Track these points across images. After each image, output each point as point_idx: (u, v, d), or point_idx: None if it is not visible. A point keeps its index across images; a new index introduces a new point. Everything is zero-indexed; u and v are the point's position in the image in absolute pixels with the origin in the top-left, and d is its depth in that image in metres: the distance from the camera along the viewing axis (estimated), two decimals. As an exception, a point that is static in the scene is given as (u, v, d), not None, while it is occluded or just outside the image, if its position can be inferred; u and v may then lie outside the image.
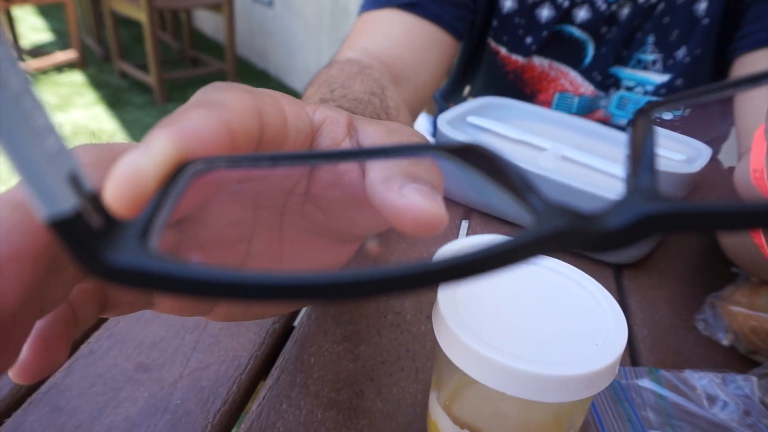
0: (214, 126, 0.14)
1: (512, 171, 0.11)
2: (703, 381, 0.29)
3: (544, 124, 0.51)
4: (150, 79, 2.57)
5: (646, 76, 0.61)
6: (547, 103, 0.66)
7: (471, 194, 0.45)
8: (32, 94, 0.08)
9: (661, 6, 0.58)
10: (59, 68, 2.85)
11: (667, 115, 0.62)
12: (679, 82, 0.59)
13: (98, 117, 2.43)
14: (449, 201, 0.47)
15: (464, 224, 0.44)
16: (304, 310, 0.33)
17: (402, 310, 0.34)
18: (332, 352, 0.30)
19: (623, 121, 0.65)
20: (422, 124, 0.88)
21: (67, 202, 0.09)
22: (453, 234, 0.42)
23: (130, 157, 0.11)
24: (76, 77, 2.80)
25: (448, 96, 0.78)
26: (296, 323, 0.32)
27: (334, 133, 0.19)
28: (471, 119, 0.49)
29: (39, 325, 0.15)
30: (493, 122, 0.48)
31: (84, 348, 0.28)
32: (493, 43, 0.65)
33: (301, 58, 2.87)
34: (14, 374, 0.14)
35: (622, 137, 0.49)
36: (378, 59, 0.52)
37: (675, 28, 0.58)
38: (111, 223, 0.09)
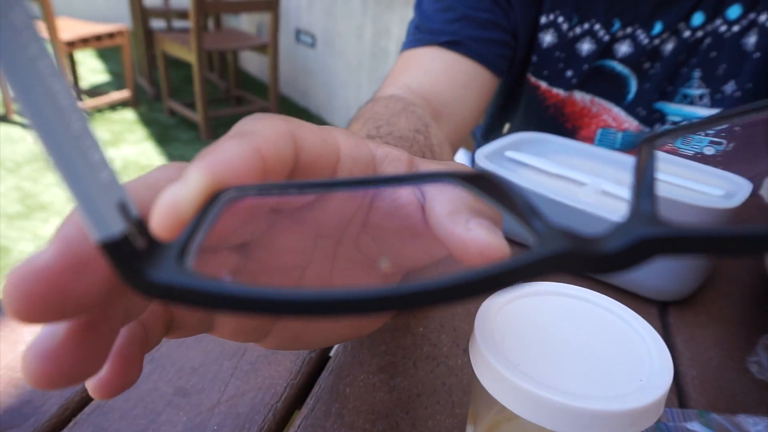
0: (244, 153, 0.14)
1: (518, 196, 0.12)
2: (758, 427, 0.28)
3: (584, 158, 0.50)
4: (196, 116, 2.68)
5: (693, 111, 0.60)
6: (589, 139, 0.65)
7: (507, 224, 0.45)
8: (90, 133, 0.10)
9: (708, 40, 0.57)
10: (113, 106, 3.00)
11: (709, 150, 0.60)
12: None
13: (147, 152, 2.54)
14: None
15: None
16: (340, 340, 0.33)
17: (438, 342, 0.33)
18: (368, 383, 0.30)
19: (688, 152, 0.64)
20: (461, 159, 0.89)
21: (116, 227, 0.10)
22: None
23: (170, 189, 0.12)
24: (128, 115, 2.95)
25: (488, 134, 0.79)
26: (332, 353, 0.32)
27: (396, 169, 0.20)
28: (509, 154, 0.49)
29: (117, 344, 0.16)
30: (532, 157, 0.48)
31: (127, 371, 0.29)
32: (533, 78, 0.65)
33: (341, 98, 2.94)
34: (93, 389, 0.15)
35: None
36: (420, 96, 0.53)
37: (723, 63, 0.57)
38: (153, 246, 0.10)
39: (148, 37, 3.22)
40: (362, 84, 2.72)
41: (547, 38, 0.62)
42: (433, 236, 0.18)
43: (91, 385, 0.15)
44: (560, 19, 0.61)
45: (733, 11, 0.56)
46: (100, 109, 2.96)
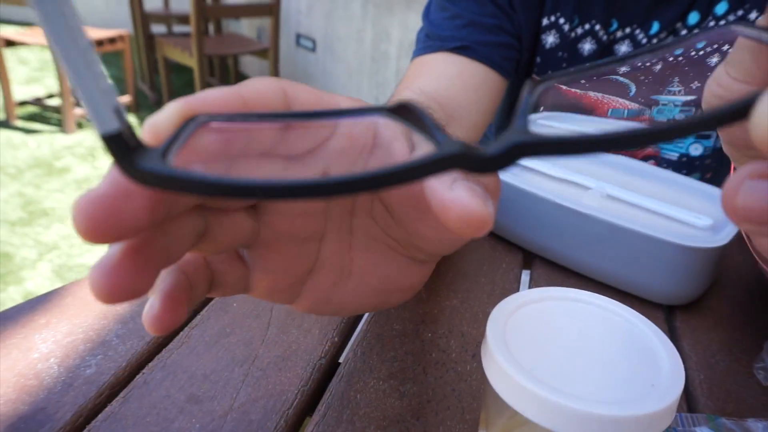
0: (222, 93, 0.18)
1: (427, 118, 0.15)
2: None
3: (589, 162, 0.51)
4: (198, 121, 2.69)
5: (673, 97, 0.62)
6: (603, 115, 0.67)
7: (534, 237, 0.45)
8: (92, 49, 0.12)
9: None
10: (114, 112, 3.01)
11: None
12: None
13: (149, 158, 2.55)
14: (510, 245, 0.47)
15: (525, 275, 0.44)
16: (349, 345, 0.33)
17: (447, 348, 0.33)
18: (378, 390, 0.30)
19: (672, 155, 0.65)
20: None
21: (113, 125, 0.13)
22: (512, 283, 0.42)
23: (154, 115, 0.16)
24: (130, 119, 2.95)
25: (498, 134, 0.80)
26: (342, 359, 0.32)
27: (393, 130, 0.23)
28: (542, 122, 0.49)
29: (165, 287, 0.19)
30: (537, 162, 0.48)
31: (139, 378, 0.29)
32: (538, 78, 0.66)
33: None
34: (149, 325, 0.18)
35: (667, 176, 0.48)
36: (434, 99, 0.54)
37: (714, 56, 0.58)
38: (142, 147, 0.13)
39: (149, 42, 3.23)
40: (363, 88, 2.73)
41: (550, 39, 0.63)
42: None
43: (146, 320, 0.18)
44: (561, 20, 0.62)
45: (721, 7, 0.57)
46: (101, 115, 2.97)
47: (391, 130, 0.22)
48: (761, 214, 0.12)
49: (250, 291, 0.23)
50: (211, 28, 3.43)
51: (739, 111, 0.11)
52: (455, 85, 0.57)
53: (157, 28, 3.56)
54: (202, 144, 0.17)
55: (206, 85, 2.61)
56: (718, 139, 0.62)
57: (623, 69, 0.62)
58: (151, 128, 0.16)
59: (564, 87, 0.66)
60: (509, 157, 0.12)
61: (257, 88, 0.19)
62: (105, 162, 2.50)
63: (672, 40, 0.17)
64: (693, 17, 0.58)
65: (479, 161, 0.12)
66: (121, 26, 3.50)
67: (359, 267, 0.25)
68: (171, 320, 0.18)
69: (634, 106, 0.64)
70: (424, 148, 0.21)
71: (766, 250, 0.24)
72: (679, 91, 0.61)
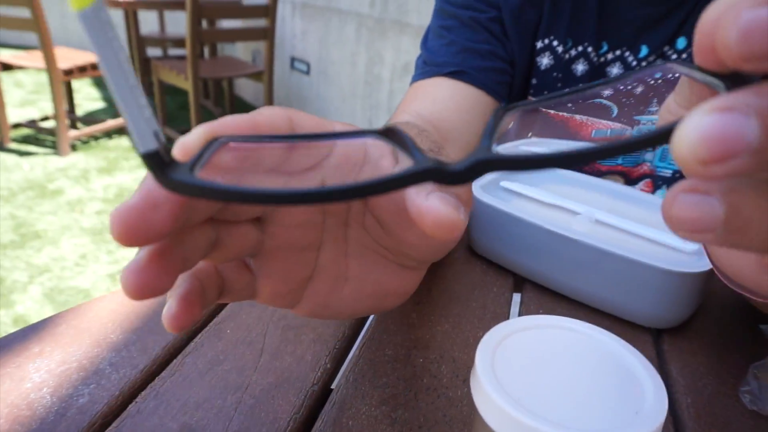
0: (239, 120, 0.21)
1: (407, 140, 0.17)
2: (752, 454, 0.28)
3: (578, 188, 0.52)
4: (192, 143, 2.70)
5: (655, 116, 0.63)
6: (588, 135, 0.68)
7: (524, 261, 0.45)
8: (138, 85, 0.15)
9: (686, 57, 0.61)
10: (109, 134, 3.02)
11: None
12: None
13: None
14: (500, 268, 0.47)
15: (516, 298, 0.45)
16: (341, 371, 0.34)
17: (438, 373, 0.34)
18: (370, 416, 0.30)
19: (666, 172, 0.66)
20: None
21: (152, 146, 0.15)
22: (503, 307, 0.43)
23: (184, 136, 0.20)
24: (124, 142, 2.96)
25: None
26: (334, 385, 0.33)
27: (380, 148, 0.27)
28: (504, 184, 0.50)
29: (181, 290, 0.22)
30: (526, 187, 0.49)
31: (132, 407, 0.29)
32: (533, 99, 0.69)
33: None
34: (167, 324, 0.21)
35: (654, 201, 0.49)
36: (429, 122, 0.56)
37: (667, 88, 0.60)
38: (174, 162, 0.16)
39: (144, 65, 3.26)
40: (356, 110, 2.76)
41: (545, 61, 0.65)
42: None
43: (165, 319, 0.21)
44: (555, 43, 0.64)
45: (681, 42, 0.59)
46: (96, 137, 2.98)
47: (379, 149, 0.25)
48: (692, 223, 0.13)
49: (256, 297, 0.26)
50: (206, 50, 3.46)
51: (665, 134, 0.13)
52: (449, 108, 0.60)
53: (153, 51, 3.60)
54: (221, 160, 0.21)
55: (201, 107, 2.63)
56: None
57: (606, 92, 0.63)
58: (181, 147, 0.19)
59: (552, 111, 0.68)
60: (473, 172, 0.14)
61: (268, 115, 0.22)
62: (98, 184, 2.50)
63: (622, 74, 0.20)
64: (681, 42, 0.60)
65: (448, 175, 0.15)
66: (117, 49, 3.52)
67: (354, 273, 0.28)
68: (186, 320, 0.21)
69: (617, 126, 0.66)
70: (405, 163, 0.23)
71: (721, 262, 0.25)
72: (657, 111, 0.63)
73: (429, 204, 0.19)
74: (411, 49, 2.28)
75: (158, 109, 2.87)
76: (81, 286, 1.80)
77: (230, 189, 0.15)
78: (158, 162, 0.15)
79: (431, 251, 0.29)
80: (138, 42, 3.22)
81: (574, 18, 0.63)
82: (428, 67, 0.64)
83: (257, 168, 0.22)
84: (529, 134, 0.75)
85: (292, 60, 3.31)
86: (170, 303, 0.21)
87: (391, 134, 0.19)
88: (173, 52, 3.88)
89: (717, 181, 0.13)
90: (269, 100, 2.85)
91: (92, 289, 1.79)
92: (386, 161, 0.25)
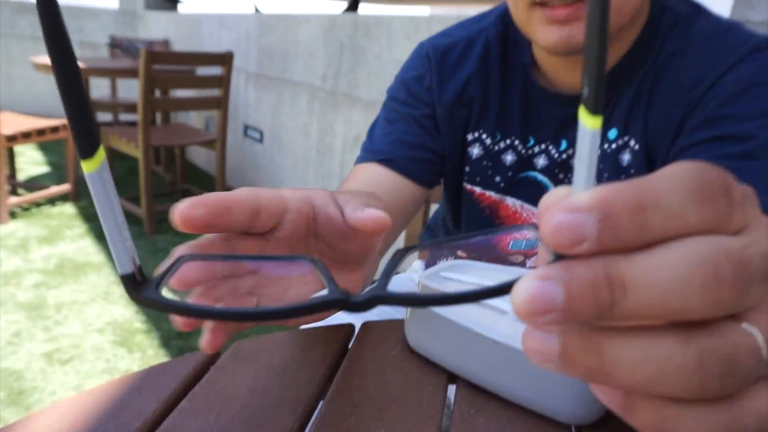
0: (212, 202, 0.30)
1: (325, 270, 0.23)
2: None
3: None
4: (140, 211, 2.66)
5: None
6: (508, 246, 0.72)
7: (454, 360, 0.48)
8: (124, 221, 0.19)
9: (599, 154, 0.66)
10: (52, 200, 2.94)
11: None
12: None
13: (86, 249, 2.47)
14: (435, 365, 0.49)
15: (451, 388, 0.46)
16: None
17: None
18: None
19: None
20: (418, 267, 0.96)
21: (129, 269, 0.20)
22: (437, 405, 0.45)
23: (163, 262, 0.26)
24: (68, 209, 2.88)
25: (448, 226, 0.86)
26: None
27: (323, 200, 0.38)
28: (444, 274, 0.52)
29: (211, 324, 0.31)
30: (464, 277, 0.51)
31: None
32: (468, 186, 0.75)
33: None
34: (203, 346, 0.29)
35: None
36: None
37: (605, 173, 0.65)
38: (145, 281, 0.20)
39: (93, 131, 3.23)
40: (308, 178, 2.80)
41: (475, 151, 0.72)
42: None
43: (202, 344, 0.29)
44: (484, 136, 0.71)
45: (612, 133, 0.65)
46: (38, 204, 2.89)
47: (307, 272, 0.32)
48: (538, 354, 0.18)
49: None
50: (159, 116, 3.47)
51: (507, 287, 0.18)
52: (376, 191, 0.65)
53: (104, 116, 3.58)
54: (181, 277, 0.26)
55: (151, 173, 2.62)
56: None
57: (540, 165, 0.70)
58: (158, 269, 0.24)
59: (486, 192, 0.73)
60: (369, 304, 0.20)
61: (238, 200, 0.31)
62: (38, 254, 2.40)
63: (509, 227, 0.27)
64: None
65: (351, 305, 0.20)
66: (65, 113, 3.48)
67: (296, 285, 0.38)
68: (217, 343, 0.31)
69: (531, 235, 0.71)
70: (323, 290, 0.27)
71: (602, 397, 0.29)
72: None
73: (365, 213, 0.32)
74: (361, 122, 2.37)
75: (106, 176, 2.83)
76: (13, 367, 1.70)
77: (180, 305, 0.19)
78: (132, 281, 0.20)
79: (366, 252, 0.41)
80: (88, 108, 3.19)
81: (500, 116, 0.70)
82: (367, 153, 0.72)
83: (211, 283, 0.29)
84: (458, 253, 0.80)
85: (246, 128, 3.36)
86: (205, 332, 0.31)
87: (316, 261, 0.24)
88: (125, 117, 3.87)
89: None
90: (221, 167, 2.86)
91: (26, 371, 1.69)
92: (311, 286, 0.33)
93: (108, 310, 1.97)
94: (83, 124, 0.17)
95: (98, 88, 3.97)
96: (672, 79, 0.60)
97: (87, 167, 0.18)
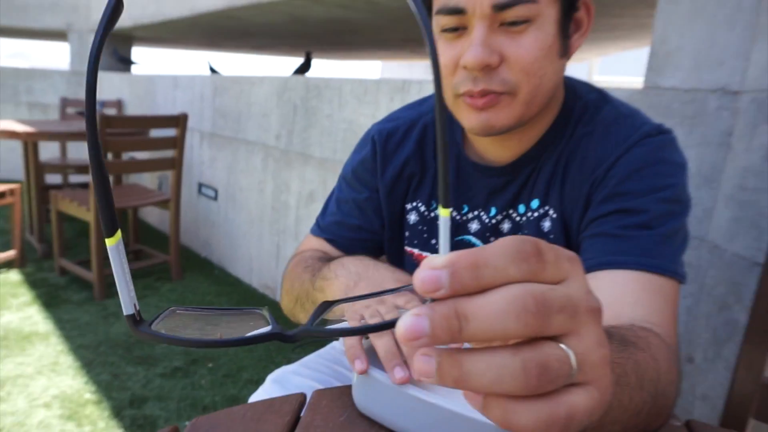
0: None
1: (271, 316, 0.30)
2: None
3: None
4: (91, 275, 2.60)
5: None
6: None
7: (399, 420, 0.51)
8: (129, 277, 0.26)
9: (524, 220, 0.73)
10: (-4, 267, 2.83)
11: None
12: None
13: (32, 318, 2.38)
14: (380, 427, 0.52)
15: None
16: None
17: None
18: None
19: None
20: None
21: (131, 311, 0.26)
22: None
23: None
24: (13, 276, 2.79)
25: None
26: None
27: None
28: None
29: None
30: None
31: None
32: (408, 248, 0.82)
33: (244, 248, 3.01)
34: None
35: None
36: None
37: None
38: (142, 321, 0.27)
39: (42, 193, 3.16)
40: (264, 235, 2.82)
41: (412, 217, 0.81)
42: None
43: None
44: (420, 205, 0.80)
45: (534, 203, 0.73)
46: (-20, 271, 2.78)
47: (258, 317, 0.38)
48: (423, 372, 0.25)
49: None
50: (111, 178, 3.44)
51: (392, 324, 0.25)
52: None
53: (52, 177, 3.51)
54: (168, 322, 0.31)
55: (102, 236, 2.57)
56: None
57: (473, 230, 0.77)
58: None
59: (424, 253, 0.81)
60: (297, 338, 0.28)
61: None
62: (-20, 324, 2.30)
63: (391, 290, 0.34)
64: (521, 208, 0.74)
65: (285, 337, 0.28)
66: (14, 174, 3.39)
67: None
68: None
69: None
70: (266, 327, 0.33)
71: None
72: None
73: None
74: (315, 179, 2.43)
75: (55, 238, 2.77)
76: (-49, 447, 1.61)
77: (161, 335, 0.27)
78: (133, 320, 0.27)
79: None
80: (36, 170, 3.13)
81: (435, 187, 0.79)
82: (317, 227, 0.85)
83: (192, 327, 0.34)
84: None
85: (200, 186, 3.37)
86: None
87: (263, 310, 0.31)
88: (75, 178, 3.81)
89: (431, 348, 0.25)
90: (176, 228, 2.85)
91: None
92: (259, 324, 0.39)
93: (56, 382, 1.90)
94: (109, 214, 0.25)
95: (48, 149, 3.91)
96: (582, 158, 0.69)
97: (109, 243, 0.25)
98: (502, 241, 0.25)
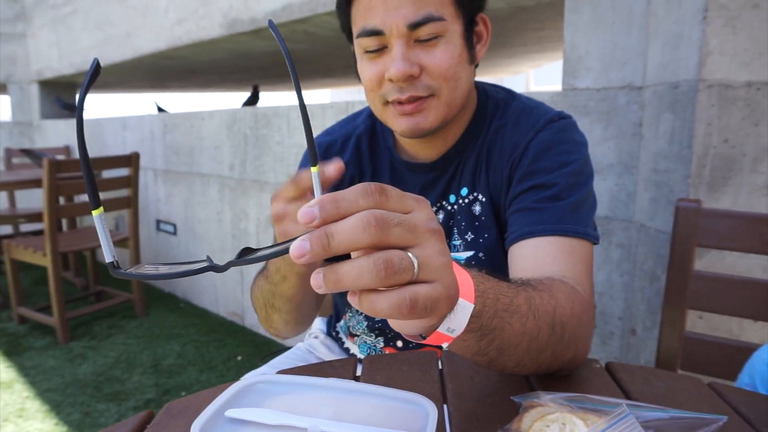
0: None
1: (209, 258, 0.39)
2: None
3: (307, 394, 0.54)
4: (52, 320, 2.57)
5: (458, 255, 0.84)
6: None
7: None
8: (110, 236, 0.37)
9: (456, 208, 0.83)
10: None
11: None
12: (480, 255, 0.81)
13: (-6, 368, 2.34)
14: None
15: None
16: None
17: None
18: None
19: None
20: (317, 326, 1.07)
21: (111, 259, 0.37)
22: None
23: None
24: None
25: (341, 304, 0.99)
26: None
27: None
28: (229, 413, 0.50)
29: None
30: (252, 410, 0.50)
31: None
32: None
33: (207, 279, 3.02)
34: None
35: (384, 392, 0.53)
36: None
37: (463, 222, 0.83)
38: (119, 267, 0.37)
39: (-7, 246, 3.10)
40: (227, 264, 2.85)
41: None
42: None
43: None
44: None
45: (464, 190, 0.83)
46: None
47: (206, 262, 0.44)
48: (317, 284, 0.35)
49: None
50: (65, 222, 3.40)
51: (287, 249, 0.34)
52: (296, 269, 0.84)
53: (3, 228, 3.45)
54: (138, 269, 0.39)
55: (61, 280, 2.56)
56: None
57: None
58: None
59: None
60: (227, 267, 0.37)
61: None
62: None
63: None
64: (452, 198, 0.84)
65: (216, 268, 0.36)
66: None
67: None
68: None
69: None
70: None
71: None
72: (460, 245, 0.84)
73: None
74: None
75: (11, 288, 2.72)
76: None
77: (134, 274, 0.37)
78: (113, 266, 0.36)
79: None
80: (-14, 222, 3.08)
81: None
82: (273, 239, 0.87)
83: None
84: None
85: (158, 222, 3.38)
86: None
87: (208, 258, 0.38)
88: (26, 227, 3.74)
89: (315, 265, 0.36)
90: (136, 263, 2.84)
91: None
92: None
93: (24, 427, 1.88)
94: (93, 191, 0.35)
95: (-5, 201, 3.84)
96: (500, 147, 0.80)
97: (95, 213, 0.36)
98: (357, 185, 0.36)
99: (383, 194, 0.36)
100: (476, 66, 0.80)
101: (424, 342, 0.44)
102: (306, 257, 0.33)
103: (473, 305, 0.43)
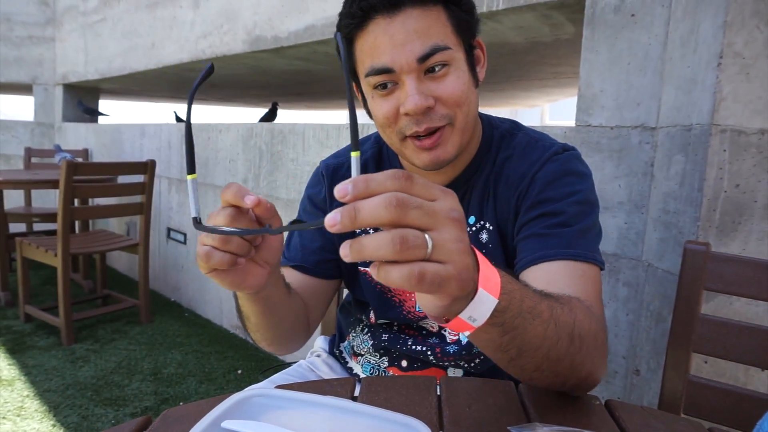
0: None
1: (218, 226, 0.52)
2: None
3: (302, 410, 0.54)
4: (58, 321, 2.59)
5: None
6: (413, 307, 0.88)
7: None
8: (198, 195, 0.52)
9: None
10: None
11: None
12: None
13: (-4, 365, 2.35)
14: None
15: None
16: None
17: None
18: None
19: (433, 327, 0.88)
20: (320, 344, 1.08)
21: (196, 214, 0.51)
22: None
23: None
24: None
25: (346, 313, 1.00)
26: None
27: None
28: (225, 424, 0.50)
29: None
30: (248, 423, 0.50)
31: None
32: (361, 268, 0.91)
33: (213, 291, 3.04)
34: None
35: (377, 413, 0.53)
36: None
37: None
38: (201, 223, 0.50)
39: (6, 241, 3.14)
40: (233, 276, 2.86)
41: None
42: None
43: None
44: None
45: (471, 219, 0.85)
46: (-60, 322, 2.73)
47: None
48: (344, 253, 0.40)
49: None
50: (78, 224, 3.44)
51: (322, 222, 0.39)
52: (296, 288, 0.83)
53: (17, 226, 3.49)
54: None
55: (69, 281, 2.58)
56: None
57: None
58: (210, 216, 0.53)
59: (368, 271, 0.90)
60: (279, 231, 0.51)
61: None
62: (-59, 374, 2.25)
63: None
64: (471, 219, 0.85)
65: (270, 231, 0.49)
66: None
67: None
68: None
69: None
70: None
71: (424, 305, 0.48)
72: None
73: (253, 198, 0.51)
74: (283, 220, 2.52)
75: (20, 285, 2.75)
76: None
77: (211, 228, 0.49)
78: (196, 221, 0.49)
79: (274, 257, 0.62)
80: (1, 219, 3.12)
81: None
82: (283, 258, 0.91)
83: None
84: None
85: (169, 230, 3.41)
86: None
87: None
88: (39, 226, 3.79)
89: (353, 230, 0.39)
90: (145, 272, 2.87)
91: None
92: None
93: (21, 426, 1.88)
94: (191, 160, 0.50)
95: (10, 197, 3.89)
96: (506, 177, 0.82)
97: (190, 177, 0.49)
98: (387, 170, 0.40)
99: (409, 180, 0.40)
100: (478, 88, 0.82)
101: (446, 325, 0.47)
102: (337, 227, 0.38)
103: (497, 300, 0.46)
